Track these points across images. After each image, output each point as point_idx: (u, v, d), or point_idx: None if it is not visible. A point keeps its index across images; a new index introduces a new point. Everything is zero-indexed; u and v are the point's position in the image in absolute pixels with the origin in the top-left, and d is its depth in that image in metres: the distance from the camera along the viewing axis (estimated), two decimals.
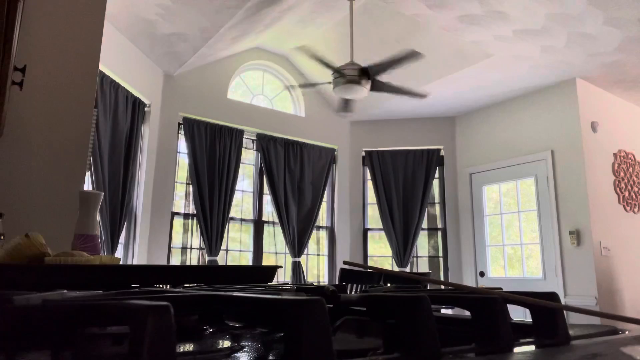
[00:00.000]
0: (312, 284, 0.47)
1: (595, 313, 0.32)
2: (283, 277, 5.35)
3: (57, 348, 0.26)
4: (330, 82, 4.10)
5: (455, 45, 4.43)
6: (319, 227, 5.81)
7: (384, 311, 0.30)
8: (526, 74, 4.75)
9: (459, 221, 5.79)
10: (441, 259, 5.84)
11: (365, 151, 6.11)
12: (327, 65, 3.94)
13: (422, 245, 5.97)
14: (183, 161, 4.93)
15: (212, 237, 4.81)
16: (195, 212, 4.83)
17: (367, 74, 4.00)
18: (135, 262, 4.28)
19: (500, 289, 0.41)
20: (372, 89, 4.10)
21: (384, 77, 4.15)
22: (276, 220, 5.38)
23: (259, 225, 5.36)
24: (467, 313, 0.31)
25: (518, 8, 3.71)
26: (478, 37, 4.18)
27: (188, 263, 4.83)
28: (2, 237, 1.46)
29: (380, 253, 6.10)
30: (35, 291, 0.33)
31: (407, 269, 5.76)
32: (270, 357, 0.28)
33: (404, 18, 4.38)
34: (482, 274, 5.45)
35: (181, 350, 0.28)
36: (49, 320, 0.23)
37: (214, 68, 5.18)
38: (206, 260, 4.83)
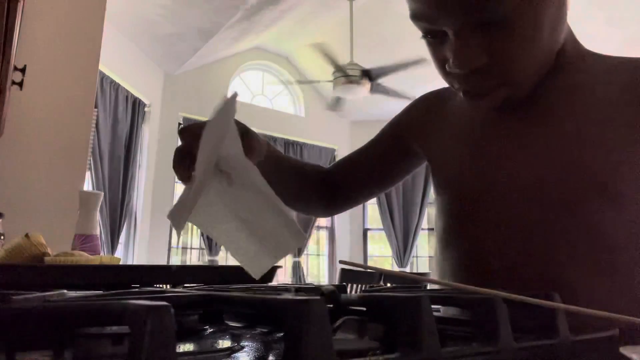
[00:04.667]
0: (312, 284, 0.47)
1: (595, 313, 0.32)
2: (283, 277, 5.35)
3: (57, 348, 0.26)
4: (331, 81, 4.09)
5: None
6: (319, 227, 5.81)
7: (384, 311, 0.30)
8: None
9: None
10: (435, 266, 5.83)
11: None
12: (336, 65, 3.93)
13: (422, 245, 5.98)
14: None
15: None
16: None
17: (368, 75, 4.00)
18: (135, 262, 4.28)
19: None
20: (371, 91, 4.10)
21: (385, 78, 4.14)
22: None
23: None
24: (467, 313, 0.31)
25: None
26: None
27: (188, 263, 4.83)
28: (2, 237, 1.46)
29: (380, 253, 6.10)
30: (35, 291, 0.33)
31: (407, 269, 5.77)
32: (270, 357, 0.28)
33: (404, 18, 4.38)
34: None
35: (181, 350, 0.28)
36: (49, 320, 0.23)
37: (214, 68, 5.18)
38: (206, 260, 4.83)
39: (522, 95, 0.61)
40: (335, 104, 4.61)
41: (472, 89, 0.60)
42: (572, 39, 0.65)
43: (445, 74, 0.61)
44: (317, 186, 0.83)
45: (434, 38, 0.59)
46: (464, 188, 0.67)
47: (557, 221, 0.57)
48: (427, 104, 0.81)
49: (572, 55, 0.64)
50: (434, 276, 0.76)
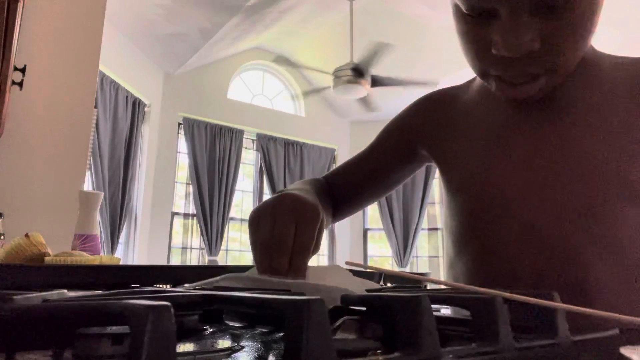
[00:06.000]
0: None
1: (595, 313, 0.32)
2: None
3: (57, 348, 0.26)
4: (331, 73, 4.09)
5: (455, 45, 4.43)
6: None
7: (384, 311, 0.30)
8: None
9: None
10: (441, 259, 5.83)
11: None
12: (357, 67, 3.94)
13: (422, 245, 5.97)
14: (183, 161, 4.93)
15: (212, 237, 4.81)
16: (195, 212, 4.83)
17: (368, 75, 4.00)
18: (135, 262, 4.28)
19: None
20: (373, 85, 4.11)
21: (384, 74, 4.14)
22: None
23: None
24: (467, 313, 0.31)
25: None
26: None
27: (188, 263, 4.84)
28: (2, 237, 1.46)
29: (380, 253, 6.10)
30: (35, 291, 0.33)
31: (407, 269, 5.77)
32: (270, 357, 0.28)
33: (404, 18, 4.38)
34: None
35: (181, 350, 0.28)
36: (49, 320, 0.23)
37: (214, 68, 5.18)
38: (206, 260, 4.83)
39: (552, 87, 0.59)
40: (317, 90, 4.63)
41: (511, 76, 0.56)
42: None
43: (480, 58, 0.57)
44: (329, 199, 0.82)
45: (478, 16, 0.54)
46: (480, 188, 0.64)
47: (578, 222, 0.56)
48: (432, 105, 0.78)
49: (591, 55, 0.63)
50: (445, 278, 0.74)
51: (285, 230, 0.49)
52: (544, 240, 0.58)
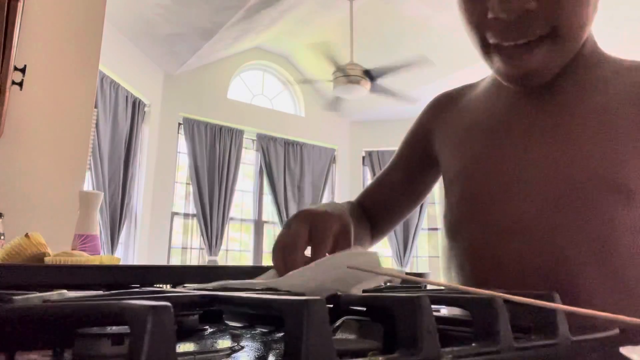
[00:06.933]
0: None
1: (595, 313, 0.32)
2: None
3: (57, 348, 0.26)
4: (331, 80, 4.09)
5: (455, 45, 4.43)
6: None
7: (384, 311, 0.30)
8: None
9: None
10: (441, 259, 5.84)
11: (365, 151, 6.11)
12: (337, 65, 3.93)
13: (422, 245, 5.97)
14: (183, 161, 4.93)
15: (212, 237, 4.80)
16: (195, 212, 4.83)
17: (368, 75, 4.00)
18: (135, 262, 4.28)
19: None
20: (371, 90, 4.10)
21: (386, 78, 4.13)
22: (276, 220, 5.38)
23: (259, 225, 5.36)
24: (467, 313, 0.31)
25: None
26: None
27: (188, 263, 4.83)
28: (2, 237, 1.46)
29: (381, 253, 6.09)
30: (35, 291, 0.33)
31: (407, 269, 5.77)
32: (270, 357, 0.28)
33: (404, 18, 4.38)
34: None
35: (181, 350, 0.28)
36: (49, 320, 0.23)
37: (214, 68, 5.17)
38: (206, 260, 4.83)
39: (555, 66, 0.58)
40: (335, 104, 4.62)
41: (511, 41, 0.56)
42: (592, 39, 0.64)
43: (478, 25, 0.57)
44: (366, 223, 0.82)
45: None
46: (470, 182, 0.65)
47: (567, 219, 0.56)
48: (439, 106, 0.79)
49: (591, 54, 0.63)
50: (440, 270, 0.75)
51: (298, 231, 0.52)
52: (530, 236, 0.58)
